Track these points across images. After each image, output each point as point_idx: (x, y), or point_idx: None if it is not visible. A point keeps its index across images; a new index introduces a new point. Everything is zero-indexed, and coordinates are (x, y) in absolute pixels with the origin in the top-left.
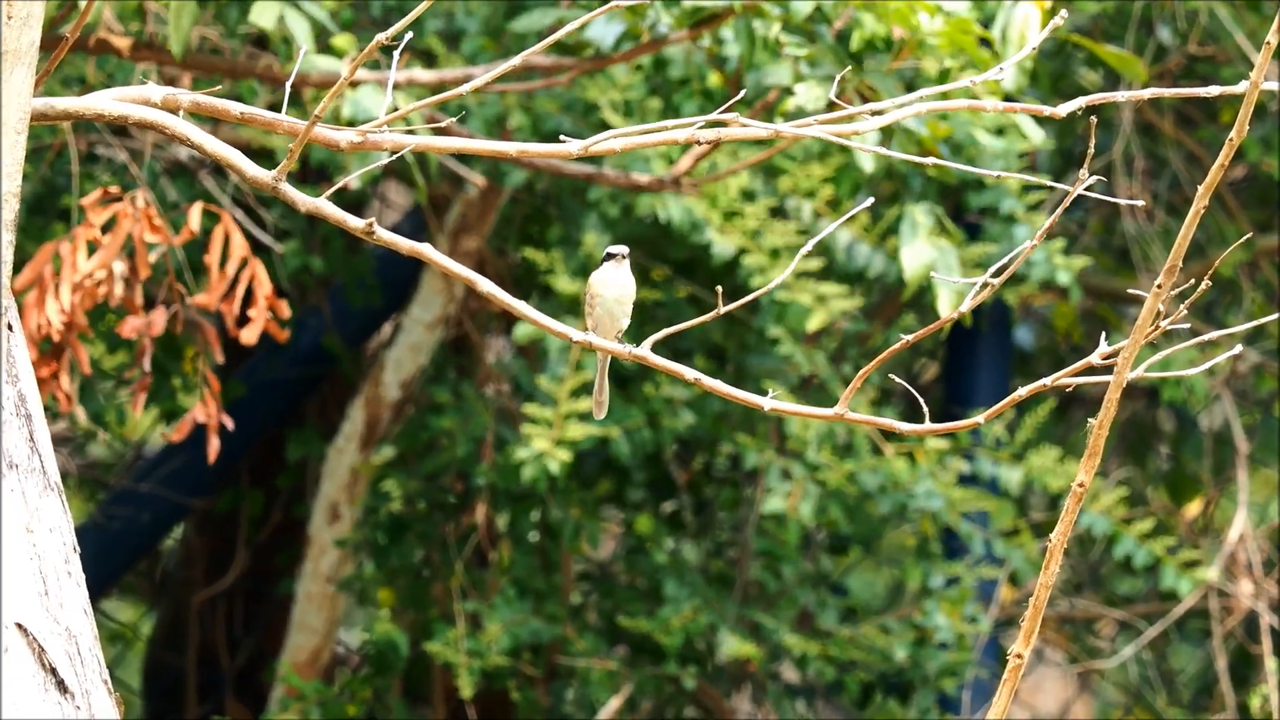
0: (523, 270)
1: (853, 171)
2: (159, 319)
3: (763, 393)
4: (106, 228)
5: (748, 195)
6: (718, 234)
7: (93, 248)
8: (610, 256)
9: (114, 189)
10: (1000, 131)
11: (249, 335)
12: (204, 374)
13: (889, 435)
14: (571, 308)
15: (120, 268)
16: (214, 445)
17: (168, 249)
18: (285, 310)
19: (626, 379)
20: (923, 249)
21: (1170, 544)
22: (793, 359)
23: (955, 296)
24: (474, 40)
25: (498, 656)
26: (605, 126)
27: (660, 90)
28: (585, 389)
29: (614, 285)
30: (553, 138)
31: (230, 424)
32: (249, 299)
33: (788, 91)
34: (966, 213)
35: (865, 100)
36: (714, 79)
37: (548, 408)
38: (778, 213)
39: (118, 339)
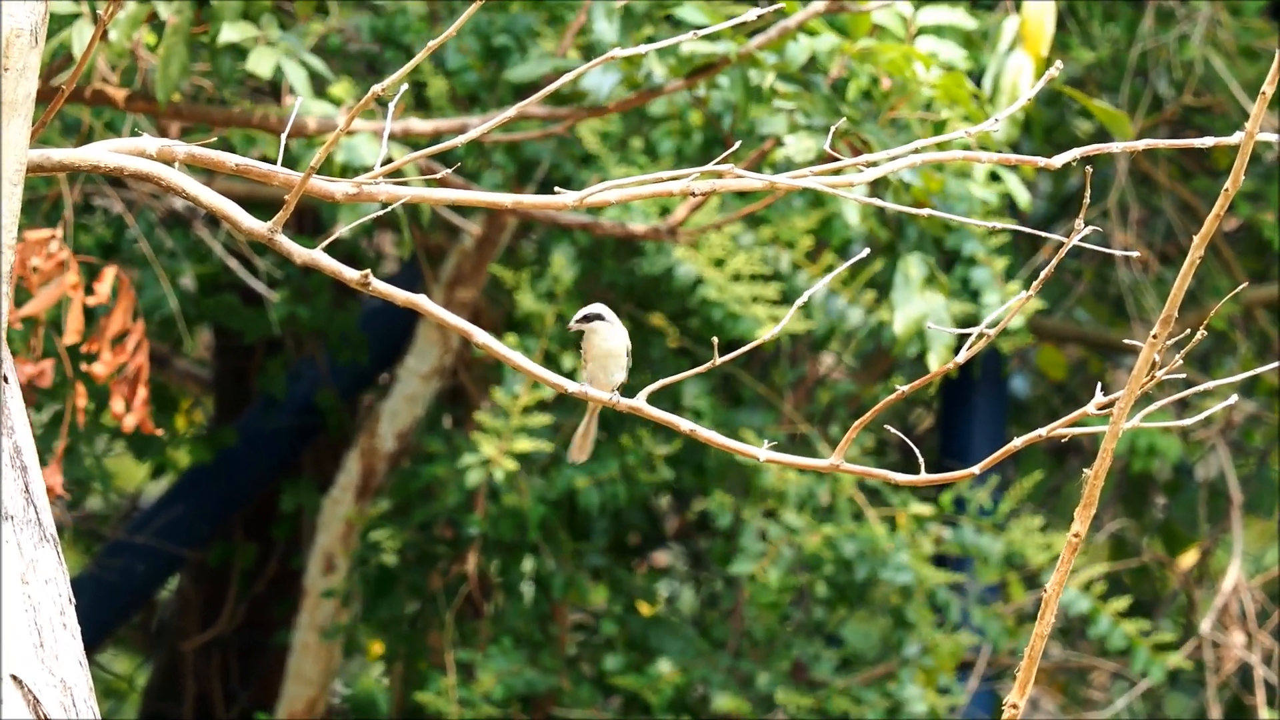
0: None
1: (839, 225)
2: (49, 371)
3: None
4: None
5: (730, 239)
6: (681, 255)
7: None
8: (589, 318)
9: (56, 233)
10: (993, 178)
11: (130, 423)
12: (62, 440)
13: (874, 497)
14: (538, 329)
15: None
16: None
17: (68, 300)
18: (143, 396)
19: (615, 425)
20: (915, 303)
21: (1145, 627)
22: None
23: (946, 350)
24: (460, 59)
25: (488, 707)
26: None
27: (640, 128)
28: (539, 405)
29: (607, 340)
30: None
31: (64, 494)
32: (133, 380)
33: (780, 142)
34: (958, 257)
35: (857, 152)
36: (695, 117)
37: (500, 419)
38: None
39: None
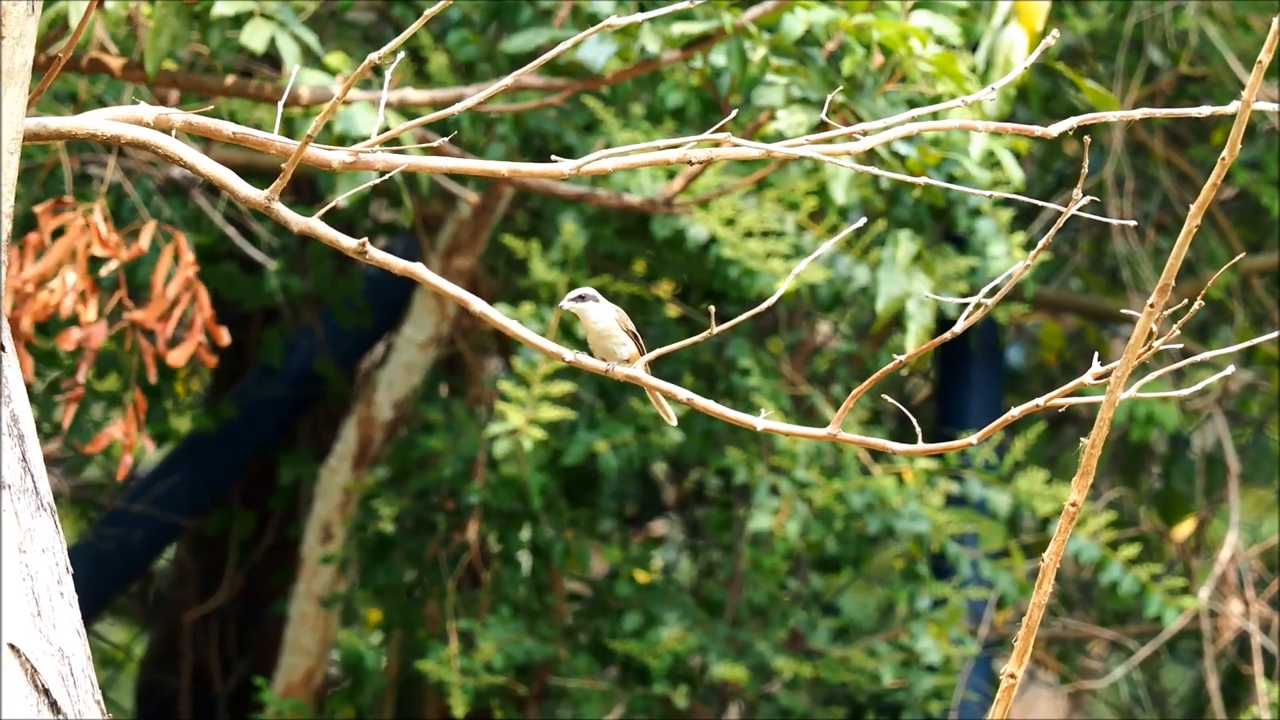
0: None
1: (831, 201)
2: (99, 331)
3: (752, 412)
4: (56, 235)
5: (737, 198)
6: (693, 218)
7: (40, 255)
8: (578, 299)
9: (68, 199)
10: (991, 164)
11: (177, 356)
12: (134, 393)
13: (879, 456)
14: (551, 298)
15: (73, 279)
16: (125, 463)
17: (122, 264)
18: (224, 338)
19: (616, 395)
20: (899, 282)
21: (1156, 571)
22: (755, 379)
23: (923, 332)
24: (460, 34)
25: (490, 675)
26: (595, 132)
27: (641, 94)
28: (558, 374)
29: (596, 321)
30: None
31: (151, 446)
32: (189, 321)
33: (775, 115)
34: (955, 229)
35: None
36: (695, 78)
37: (521, 389)
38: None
39: (106, 362)
